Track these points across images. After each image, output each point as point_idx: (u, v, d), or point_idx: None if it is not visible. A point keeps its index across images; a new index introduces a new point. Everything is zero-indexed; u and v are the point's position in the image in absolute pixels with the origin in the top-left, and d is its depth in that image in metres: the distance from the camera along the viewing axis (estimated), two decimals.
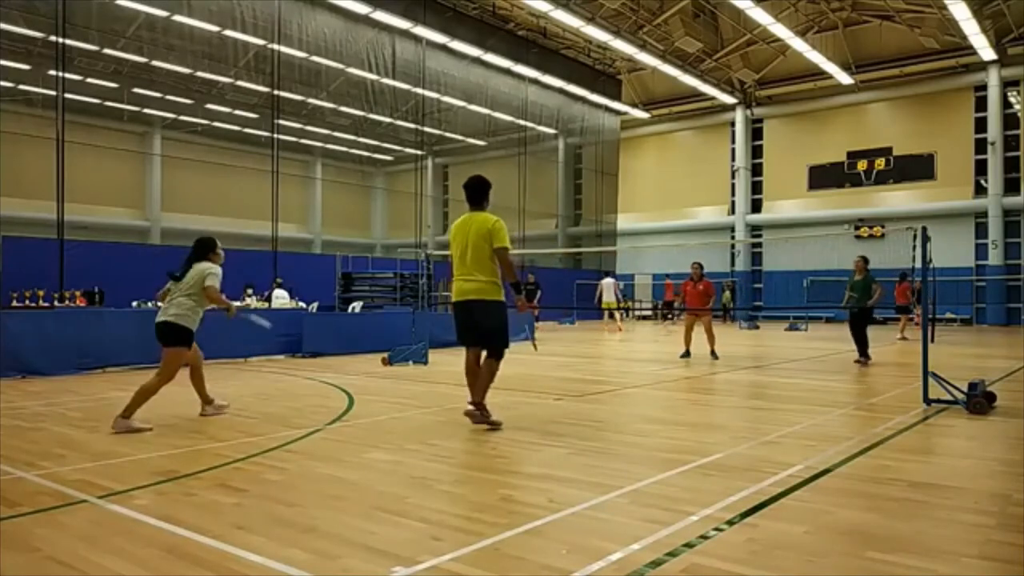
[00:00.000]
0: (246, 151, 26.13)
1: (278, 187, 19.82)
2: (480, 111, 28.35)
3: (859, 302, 11.85)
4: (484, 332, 6.18)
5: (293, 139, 29.92)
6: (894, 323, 21.26)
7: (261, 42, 20.69)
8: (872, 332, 12.35)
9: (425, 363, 11.30)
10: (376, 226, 39.84)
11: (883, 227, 25.51)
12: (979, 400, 6.76)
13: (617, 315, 23.40)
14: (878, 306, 12.16)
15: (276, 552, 3.12)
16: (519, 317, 17.71)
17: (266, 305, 14.82)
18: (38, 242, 15.79)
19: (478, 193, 6.32)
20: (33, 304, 11.23)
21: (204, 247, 6.83)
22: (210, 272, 6.73)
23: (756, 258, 32.87)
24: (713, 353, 12.53)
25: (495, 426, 6.01)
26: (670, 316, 29.24)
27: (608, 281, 22.88)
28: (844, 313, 12.67)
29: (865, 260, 12.01)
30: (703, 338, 12.81)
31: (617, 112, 33.49)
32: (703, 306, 12.96)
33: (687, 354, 12.59)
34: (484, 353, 6.22)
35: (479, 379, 6.16)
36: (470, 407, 6.14)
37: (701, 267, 13.17)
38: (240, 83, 25.23)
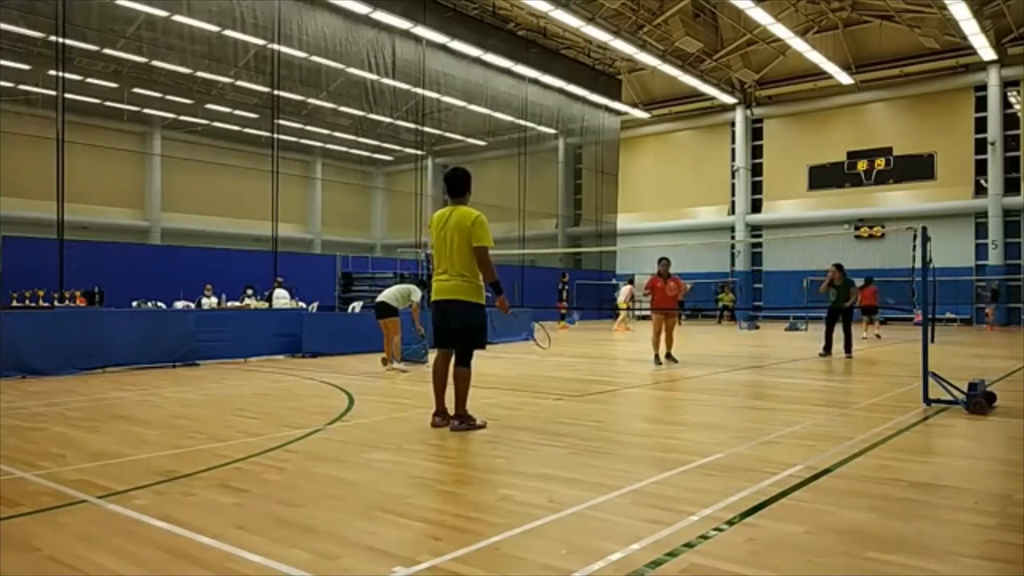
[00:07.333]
0: (246, 151, 26.12)
1: (278, 187, 19.83)
2: (480, 111, 28.34)
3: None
4: (456, 335, 5.93)
5: (293, 139, 29.91)
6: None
7: (261, 42, 20.69)
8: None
9: (425, 363, 11.30)
10: (376, 226, 39.83)
11: (883, 227, 25.51)
12: (979, 400, 6.76)
13: (622, 315, 23.61)
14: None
15: (276, 552, 3.12)
16: (520, 317, 17.76)
17: (266, 305, 14.82)
18: (38, 242, 15.80)
19: (459, 185, 6.02)
20: (33, 304, 11.22)
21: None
22: (413, 289, 10.28)
23: (756, 258, 32.86)
24: (670, 356, 11.76)
25: (477, 427, 5.87)
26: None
27: (625, 288, 23.85)
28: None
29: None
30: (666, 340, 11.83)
31: (617, 112, 33.47)
32: (671, 306, 11.98)
33: (658, 360, 11.67)
34: (453, 359, 6.00)
35: (456, 391, 5.90)
36: (437, 418, 5.98)
37: (668, 263, 12.05)
38: (240, 83, 25.23)
